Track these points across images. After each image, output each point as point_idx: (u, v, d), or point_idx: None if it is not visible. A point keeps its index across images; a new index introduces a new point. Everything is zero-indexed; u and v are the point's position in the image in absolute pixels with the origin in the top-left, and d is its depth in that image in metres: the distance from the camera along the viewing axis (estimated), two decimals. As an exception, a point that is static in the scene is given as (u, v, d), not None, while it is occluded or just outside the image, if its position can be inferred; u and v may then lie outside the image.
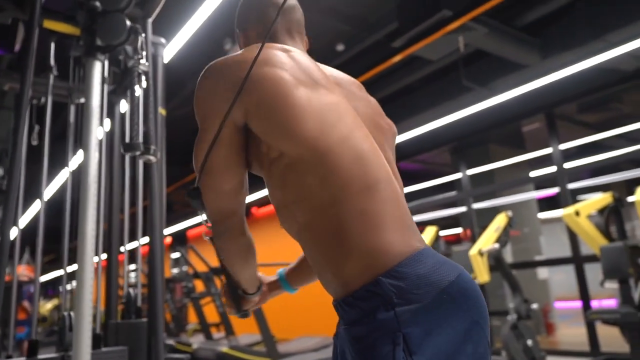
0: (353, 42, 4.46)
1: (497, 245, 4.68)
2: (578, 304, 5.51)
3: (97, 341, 2.09)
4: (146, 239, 2.33)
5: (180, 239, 10.32)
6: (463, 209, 6.77)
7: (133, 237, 2.54)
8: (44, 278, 15.05)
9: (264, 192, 7.58)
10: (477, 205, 6.75)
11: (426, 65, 4.67)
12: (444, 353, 0.69)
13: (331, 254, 0.79)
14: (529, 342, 4.52)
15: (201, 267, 4.95)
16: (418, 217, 9.07)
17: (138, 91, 2.01)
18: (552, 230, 9.04)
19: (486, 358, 0.75)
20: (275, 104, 0.84)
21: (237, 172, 0.92)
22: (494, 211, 6.16)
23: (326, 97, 0.88)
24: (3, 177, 3.78)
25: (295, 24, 1.08)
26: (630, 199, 4.11)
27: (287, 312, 7.05)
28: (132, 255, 4.56)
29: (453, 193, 7.31)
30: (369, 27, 4.31)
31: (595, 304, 5.27)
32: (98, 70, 1.99)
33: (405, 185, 1.10)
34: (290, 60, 0.91)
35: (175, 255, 10.15)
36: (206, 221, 0.96)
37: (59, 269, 11.58)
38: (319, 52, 4.05)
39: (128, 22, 1.94)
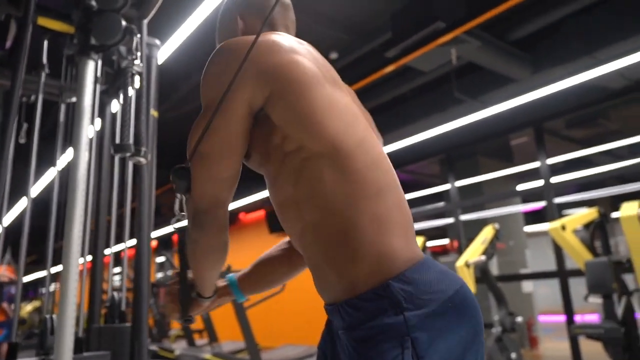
0: (347, 50, 4.48)
1: (483, 258, 4.71)
2: (561, 318, 5.55)
3: (79, 345, 2.05)
4: (133, 242, 2.30)
5: (165, 243, 10.22)
6: (451, 220, 6.80)
7: (119, 240, 2.50)
8: (25, 279, 14.77)
9: (252, 198, 7.54)
10: (464, 217, 6.79)
11: (419, 76, 4.71)
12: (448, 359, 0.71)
13: (339, 255, 0.78)
14: (513, 355, 4.54)
15: (187, 272, 4.91)
16: (406, 227, 9.04)
17: (131, 92, 1.99)
18: (537, 243, 9.12)
19: None
20: (304, 94, 0.83)
21: (239, 159, 0.87)
22: (481, 223, 6.20)
23: (343, 97, 0.89)
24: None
25: (291, 23, 1.09)
26: (615, 214, 4.17)
27: (271, 319, 7.01)
28: (117, 258, 4.50)
29: (441, 204, 7.35)
30: (363, 36, 4.33)
31: (577, 318, 5.32)
32: (91, 69, 1.97)
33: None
34: (310, 53, 0.90)
35: (160, 259, 10.03)
36: (181, 208, 0.92)
37: (41, 270, 11.39)
38: (313, 60, 4.04)
39: (124, 22, 1.93)
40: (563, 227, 4.10)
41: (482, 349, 0.76)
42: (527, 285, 7.21)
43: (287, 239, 1.13)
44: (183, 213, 0.94)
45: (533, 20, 3.95)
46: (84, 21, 1.96)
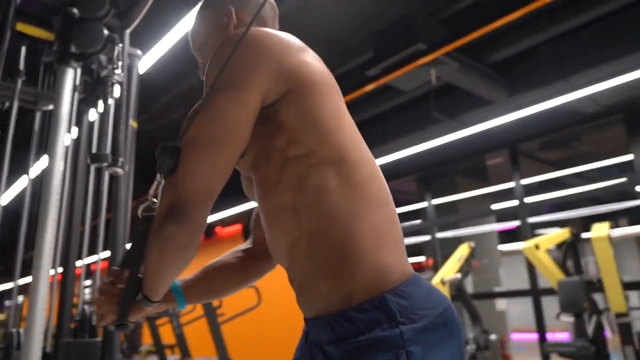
0: (328, 67, 4.51)
1: (459, 275, 4.75)
2: (534, 336, 5.62)
3: (47, 360, 1.98)
4: (106, 254, 2.25)
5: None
6: (427, 237, 6.86)
7: (92, 251, 2.44)
8: (-12, 290, 14.24)
9: (229, 212, 7.47)
10: (440, 235, 6.85)
11: (399, 95, 4.78)
12: None
13: (337, 266, 0.77)
14: (487, 373, 4.56)
15: (160, 286, 4.82)
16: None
17: (110, 101, 1.97)
18: (511, 262, 9.25)
19: None
20: (321, 99, 0.82)
21: (240, 152, 0.81)
22: (456, 241, 6.27)
23: (346, 109, 0.90)
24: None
25: (277, 27, 1.08)
26: (585, 235, 4.27)
27: (246, 334, 6.90)
28: (88, 271, 4.38)
29: (418, 221, 7.41)
30: (344, 53, 4.38)
31: (549, 336, 5.39)
32: (70, 77, 1.94)
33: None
34: (320, 61, 0.91)
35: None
36: (155, 192, 0.85)
37: (8, 281, 10.98)
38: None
39: (106, 31, 1.91)
40: (537, 247, 4.18)
41: None
42: (501, 304, 7.29)
43: (241, 246, 1.09)
44: (155, 200, 0.86)
45: (510, 44, 4.07)
46: (64, 28, 1.93)
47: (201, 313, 4.70)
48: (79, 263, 2.51)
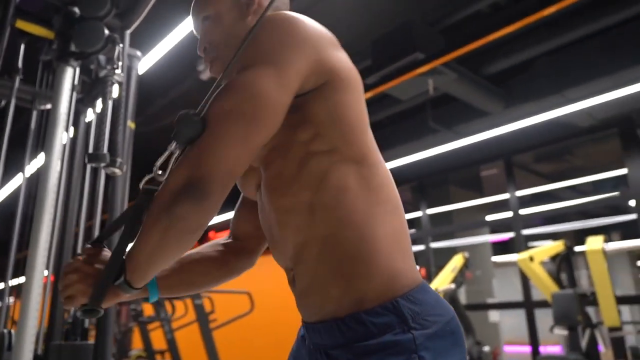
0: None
1: (453, 286, 4.74)
2: (526, 348, 5.61)
3: (37, 363, 1.94)
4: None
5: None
6: (421, 247, 6.85)
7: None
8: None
9: (222, 217, 7.43)
10: (434, 245, 6.85)
11: (396, 104, 4.80)
12: None
13: (351, 269, 0.76)
14: (480, 385, 4.54)
15: (152, 290, 4.76)
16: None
17: (107, 102, 1.95)
18: (504, 274, 9.26)
19: None
20: (354, 97, 0.81)
21: (272, 134, 0.75)
22: (450, 251, 6.26)
23: None
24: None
25: None
26: (580, 248, 4.28)
27: (237, 341, 6.84)
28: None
29: (412, 231, 7.41)
30: (343, 62, 4.39)
31: (541, 349, 5.38)
32: (69, 76, 1.93)
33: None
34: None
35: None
36: (163, 167, 0.77)
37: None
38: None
39: (106, 31, 1.90)
40: (531, 259, 4.19)
41: None
42: (494, 315, 7.28)
43: (220, 239, 1.06)
44: (160, 172, 0.79)
45: (507, 57, 4.10)
46: (64, 27, 1.92)
47: (193, 318, 4.65)
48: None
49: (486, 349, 4.69)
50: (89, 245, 0.82)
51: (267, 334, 6.07)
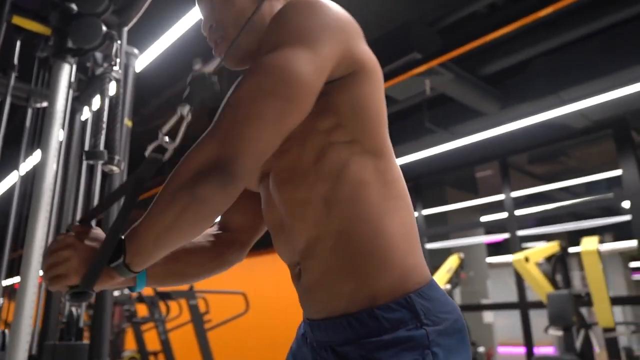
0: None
1: (448, 286, 4.75)
2: (520, 349, 5.62)
3: (31, 363, 1.92)
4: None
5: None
6: (416, 248, 6.85)
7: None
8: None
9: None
10: (429, 246, 6.86)
11: (392, 104, 4.79)
12: None
13: (365, 264, 0.75)
14: (475, 385, 4.55)
15: (146, 290, 4.73)
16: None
17: (105, 99, 1.93)
18: (498, 275, 9.30)
19: None
20: (377, 89, 0.80)
21: (304, 117, 0.71)
22: (445, 252, 6.28)
23: None
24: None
25: None
26: (576, 249, 4.29)
27: (232, 342, 6.81)
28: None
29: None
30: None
31: (535, 350, 5.40)
32: (66, 73, 1.90)
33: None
34: None
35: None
36: (169, 133, 0.71)
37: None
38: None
39: (104, 28, 1.88)
40: (526, 259, 4.20)
41: None
42: (488, 316, 7.30)
43: (211, 230, 1.01)
44: (167, 139, 0.72)
45: (503, 57, 4.11)
46: (62, 23, 1.90)
47: (187, 319, 4.62)
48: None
49: (480, 349, 4.70)
50: (77, 223, 0.74)
51: (262, 335, 6.05)
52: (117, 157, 1.81)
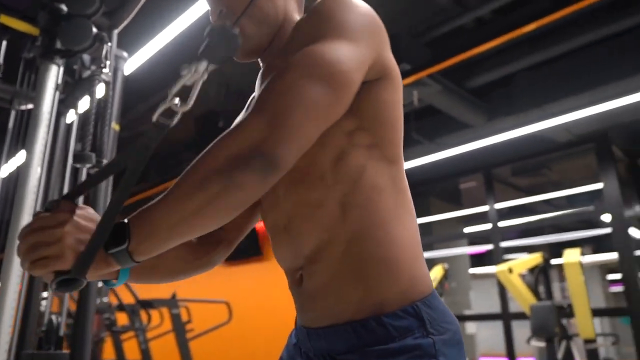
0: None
1: (433, 297, 4.75)
2: (502, 360, 5.65)
3: (8, 373, 1.85)
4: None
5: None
6: (400, 258, 6.86)
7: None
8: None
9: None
10: (413, 256, 6.88)
11: (379, 115, 4.81)
12: None
13: (376, 271, 0.74)
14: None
15: (127, 299, 4.63)
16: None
17: (94, 101, 1.90)
18: (480, 286, 9.36)
19: None
20: (398, 98, 0.81)
21: (345, 109, 0.70)
22: (429, 263, 6.29)
23: None
24: None
25: None
26: (558, 260, 4.34)
27: (214, 353, 6.70)
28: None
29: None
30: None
31: (517, 361, 5.43)
32: (53, 74, 1.87)
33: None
34: None
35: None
36: (180, 95, 0.64)
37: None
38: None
39: (94, 29, 1.85)
40: (510, 270, 4.23)
41: None
42: (471, 327, 7.33)
43: None
44: (177, 101, 0.64)
45: (490, 71, 4.17)
46: (50, 24, 1.86)
47: (169, 328, 4.53)
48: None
49: (464, 360, 4.70)
50: (61, 199, 0.63)
51: (245, 344, 5.97)
52: (105, 161, 1.78)
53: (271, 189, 0.85)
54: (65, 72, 2.29)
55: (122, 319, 5.69)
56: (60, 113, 2.55)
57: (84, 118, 1.88)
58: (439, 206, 7.39)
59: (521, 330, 5.21)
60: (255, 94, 0.88)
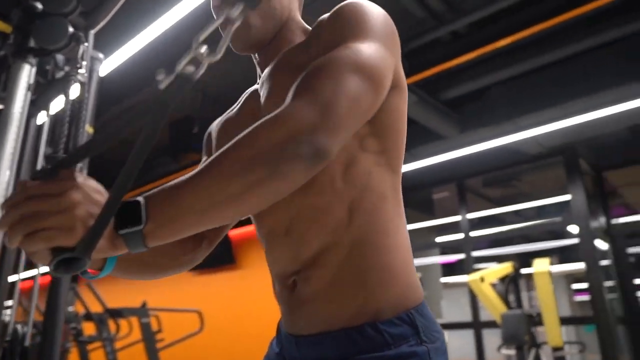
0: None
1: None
2: (473, 369, 5.71)
3: (-31, 386, 1.76)
4: (47, 269, 2.05)
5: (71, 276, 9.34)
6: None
7: (30, 265, 2.24)
8: None
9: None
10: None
11: (356, 124, 4.83)
12: None
13: (376, 277, 0.74)
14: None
15: (95, 307, 4.49)
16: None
17: (69, 102, 1.84)
18: (451, 295, 9.47)
19: None
20: (405, 107, 0.82)
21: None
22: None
23: None
24: None
25: None
26: (528, 270, 4.44)
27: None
28: (12, 287, 4.00)
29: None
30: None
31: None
32: (26, 74, 1.80)
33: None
34: None
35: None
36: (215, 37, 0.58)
37: None
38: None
39: (71, 29, 1.80)
40: (482, 279, 4.29)
41: None
42: (442, 336, 7.40)
43: None
44: (205, 48, 0.55)
45: (464, 83, 4.25)
46: (24, 21, 1.80)
47: (138, 338, 4.41)
48: (13, 277, 2.29)
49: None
50: (57, 167, 0.54)
51: (217, 354, 5.86)
52: (79, 164, 1.72)
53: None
54: (37, 72, 2.22)
55: (89, 328, 5.51)
56: (31, 114, 2.47)
57: (56, 119, 1.82)
58: (412, 216, 7.47)
59: (492, 338, 5.28)
60: (266, 87, 0.84)
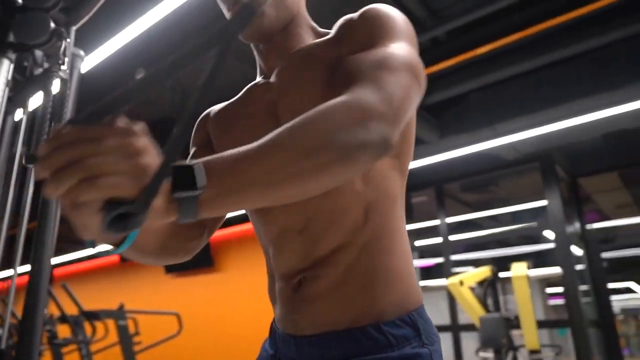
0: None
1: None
2: (450, 372, 5.77)
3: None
4: (25, 268, 2.01)
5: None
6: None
7: (7, 265, 2.18)
8: None
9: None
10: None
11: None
12: None
13: (384, 279, 0.76)
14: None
15: (70, 309, 4.39)
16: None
17: (50, 99, 1.81)
18: (429, 298, 9.56)
19: None
20: (415, 121, 0.86)
21: None
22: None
23: None
24: None
25: None
26: (506, 274, 4.51)
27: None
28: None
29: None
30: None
31: (465, 372, 5.56)
32: (4, 70, 1.77)
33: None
34: None
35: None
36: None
37: None
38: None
39: (52, 24, 1.77)
40: (461, 283, 4.35)
41: None
42: (420, 339, 7.46)
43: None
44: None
45: (444, 89, 4.31)
46: (3, 15, 1.76)
47: (115, 340, 4.33)
48: (-13, 278, 2.23)
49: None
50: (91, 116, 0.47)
51: (196, 356, 5.79)
52: (59, 162, 1.69)
53: None
54: (15, 69, 2.18)
55: (63, 330, 5.39)
56: (8, 112, 2.42)
57: (39, 116, 1.79)
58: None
59: (469, 342, 5.35)
60: (284, 79, 0.82)
